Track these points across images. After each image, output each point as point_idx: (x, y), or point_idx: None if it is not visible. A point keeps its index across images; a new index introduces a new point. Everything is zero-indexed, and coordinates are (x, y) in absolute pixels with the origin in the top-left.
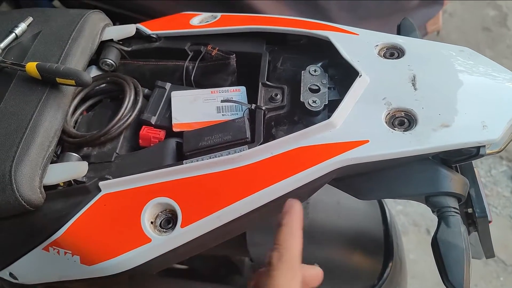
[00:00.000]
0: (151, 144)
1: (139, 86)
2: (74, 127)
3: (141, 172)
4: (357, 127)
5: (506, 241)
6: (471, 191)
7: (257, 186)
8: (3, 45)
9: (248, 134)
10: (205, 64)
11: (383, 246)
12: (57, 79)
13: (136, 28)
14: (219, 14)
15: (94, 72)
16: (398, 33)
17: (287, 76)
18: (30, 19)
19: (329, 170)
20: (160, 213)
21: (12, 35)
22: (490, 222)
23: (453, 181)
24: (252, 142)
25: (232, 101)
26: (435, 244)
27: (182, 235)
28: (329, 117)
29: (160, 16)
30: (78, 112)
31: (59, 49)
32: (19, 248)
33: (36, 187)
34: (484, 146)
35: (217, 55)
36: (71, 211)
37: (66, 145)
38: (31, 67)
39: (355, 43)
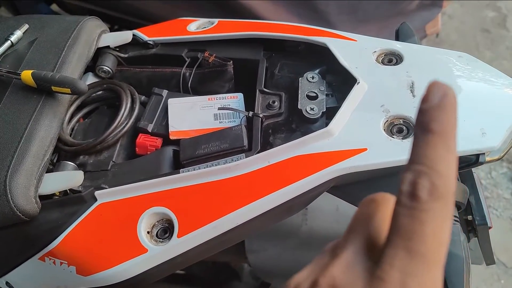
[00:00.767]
0: (148, 152)
1: (136, 93)
2: (70, 135)
3: (138, 180)
4: (355, 135)
5: (506, 243)
6: (471, 198)
7: (254, 196)
8: None
9: (246, 142)
10: (202, 71)
11: None
12: (52, 87)
13: (133, 35)
14: (216, 20)
15: (90, 79)
16: (397, 38)
17: (284, 83)
18: (26, 27)
19: (327, 179)
20: (156, 223)
21: (8, 43)
22: (490, 228)
23: None
24: (249, 150)
25: (229, 109)
26: None
27: (179, 245)
28: (327, 124)
29: (158, 20)
30: (75, 119)
31: (54, 56)
32: (15, 258)
33: (31, 197)
34: (484, 153)
35: (214, 62)
36: (67, 221)
37: (62, 153)
38: (26, 75)
39: (353, 50)
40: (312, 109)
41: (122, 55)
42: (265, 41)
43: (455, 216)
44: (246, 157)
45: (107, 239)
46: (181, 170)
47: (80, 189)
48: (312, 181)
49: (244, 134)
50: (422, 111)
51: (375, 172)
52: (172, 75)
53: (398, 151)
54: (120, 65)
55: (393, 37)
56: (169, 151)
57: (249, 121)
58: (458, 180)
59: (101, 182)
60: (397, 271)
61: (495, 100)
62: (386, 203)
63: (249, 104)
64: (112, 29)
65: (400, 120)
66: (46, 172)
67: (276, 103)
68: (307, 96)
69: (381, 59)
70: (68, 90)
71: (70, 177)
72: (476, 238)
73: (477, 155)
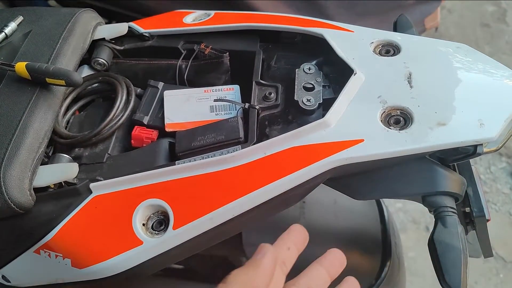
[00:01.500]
0: (144, 145)
1: (132, 85)
2: (66, 128)
3: (133, 173)
4: (351, 126)
5: (505, 238)
6: (469, 190)
7: (250, 187)
8: None
9: (242, 134)
10: (198, 63)
11: (381, 245)
12: (47, 79)
13: (129, 27)
14: (212, 12)
15: (86, 71)
16: (395, 30)
17: (281, 75)
18: (20, 18)
19: (323, 170)
20: (152, 215)
21: (2, 35)
22: (488, 220)
23: (450, 180)
24: (245, 142)
25: (225, 101)
26: (432, 245)
27: (174, 237)
28: (323, 115)
29: (155, 15)
30: (70, 112)
31: (49, 48)
32: (10, 251)
33: (25, 190)
34: (482, 144)
35: (211, 54)
36: (61, 213)
37: (57, 146)
38: (20, 67)
39: (350, 41)
40: (308, 100)
41: (117, 47)
42: (262, 33)
43: (452, 208)
44: (242, 148)
45: (102, 232)
46: (176, 162)
47: (75, 181)
48: (308, 172)
49: (240, 125)
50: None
51: (372, 164)
52: (168, 67)
53: (395, 143)
54: (115, 58)
55: (392, 31)
56: (165, 143)
57: (246, 113)
58: (455, 171)
59: (96, 174)
60: None
61: (493, 91)
62: None
63: (246, 96)
64: (108, 24)
65: (397, 111)
66: (41, 165)
67: (272, 94)
68: (304, 87)
69: (378, 50)
70: (63, 82)
71: (65, 169)
72: (474, 231)
73: (475, 146)
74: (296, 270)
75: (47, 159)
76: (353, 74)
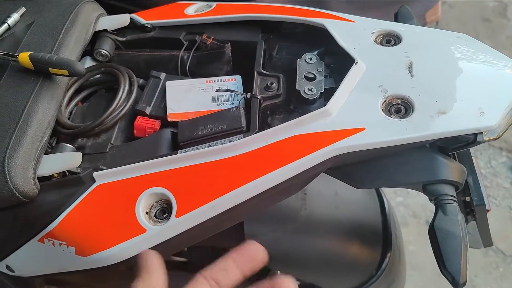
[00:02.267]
0: (146, 135)
1: (134, 76)
2: (69, 118)
3: (136, 162)
4: (353, 115)
5: (505, 232)
6: (469, 179)
7: (252, 175)
8: None
9: (244, 123)
10: (200, 53)
11: (382, 237)
12: (50, 69)
13: (131, 18)
14: (214, 3)
15: (88, 62)
16: (396, 21)
17: (282, 65)
18: (23, 10)
19: (325, 158)
20: (155, 203)
21: (5, 26)
22: (488, 210)
23: (450, 169)
24: (247, 131)
25: (227, 90)
26: (432, 232)
27: (177, 225)
28: (325, 105)
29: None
30: (73, 103)
31: (52, 39)
32: (14, 240)
33: (30, 178)
34: (482, 133)
35: (212, 44)
36: (65, 202)
37: (61, 136)
38: (23, 57)
39: (351, 31)
40: (310, 89)
41: (119, 38)
42: (263, 23)
43: (453, 196)
44: (244, 138)
45: (105, 220)
46: (179, 151)
47: (78, 170)
48: (310, 160)
49: (242, 115)
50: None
51: (372, 152)
52: (170, 58)
53: (395, 131)
54: (118, 49)
55: None
56: (167, 133)
57: (247, 103)
58: (456, 160)
59: (99, 164)
60: None
61: (493, 80)
62: None
63: (247, 86)
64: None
65: (398, 100)
66: (45, 154)
67: (274, 84)
68: (305, 77)
69: (379, 40)
70: (66, 72)
71: (68, 159)
72: (473, 222)
73: (475, 134)
74: (293, 264)
75: (51, 149)
76: (354, 64)
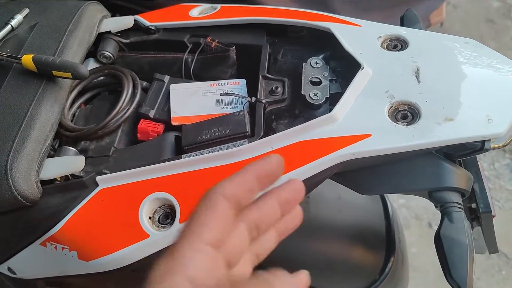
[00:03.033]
0: (150, 138)
1: (137, 78)
2: (72, 121)
3: (140, 166)
4: (359, 121)
5: (508, 234)
6: (475, 186)
7: None
8: None
9: (248, 128)
10: (204, 56)
11: (385, 241)
12: (53, 71)
13: (134, 20)
14: (219, 5)
15: (92, 64)
16: (402, 24)
17: (288, 69)
18: (26, 11)
19: (330, 165)
20: (158, 208)
21: (8, 27)
22: (494, 217)
23: (457, 176)
24: (252, 136)
25: (231, 94)
26: (438, 240)
27: None
28: (330, 110)
29: (160, 8)
30: (76, 105)
31: (55, 41)
32: (16, 243)
33: (32, 182)
34: (489, 140)
35: (217, 47)
36: (68, 206)
37: (63, 139)
38: (27, 59)
39: (358, 35)
40: (315, 94)
41: (123, 40)
42: (268, 27)
43: (459, 204)
44: (248, 143)
45: (108, 224)
46: (183, 155)
47: (81, 174)
48: (315, 166)
49: (246, 119)
50: None
51: (378, 159)
52: (174, 61)
53: (402, 138)
54: (121, 51)
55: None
56: (171, 136)
57: (252, 107)
58: (462, 167)
59: (102, 167)
60: None
61: (501, 86)
62: None
63: (252, 90)
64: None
65: (405, 106)
66: (47, 158)
67: (279, 89)
68: (311, 81)
69: (386, 44)
70: (69, 75)
71: (71, 162)
72: (479, 227)
73: (483, 142)
74: (296, 268)
75: (54, 152)
76: (360, 69)
